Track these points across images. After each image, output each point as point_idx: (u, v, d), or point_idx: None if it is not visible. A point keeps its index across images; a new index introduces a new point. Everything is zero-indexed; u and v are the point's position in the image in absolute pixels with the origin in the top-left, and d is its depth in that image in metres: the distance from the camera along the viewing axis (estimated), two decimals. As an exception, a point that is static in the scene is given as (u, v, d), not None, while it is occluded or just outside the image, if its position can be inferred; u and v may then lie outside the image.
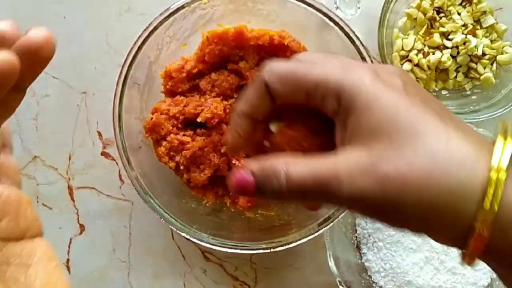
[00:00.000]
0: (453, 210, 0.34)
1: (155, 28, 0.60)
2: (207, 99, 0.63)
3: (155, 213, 0.61)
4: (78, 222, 0.71)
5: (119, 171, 0.71)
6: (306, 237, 0.61)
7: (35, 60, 0.31)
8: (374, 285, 0.67)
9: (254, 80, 0.42)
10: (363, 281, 0.68)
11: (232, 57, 0.64)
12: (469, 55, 0.69)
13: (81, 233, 0.71)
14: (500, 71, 0.70)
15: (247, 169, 0.39)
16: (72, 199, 0.71)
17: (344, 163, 0.36)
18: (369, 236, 0.67)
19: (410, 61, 0.69)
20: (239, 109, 0.43)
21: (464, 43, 0.68)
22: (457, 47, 0.68)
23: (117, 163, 0.71)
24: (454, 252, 0.65)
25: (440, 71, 0.70)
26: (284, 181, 0.37)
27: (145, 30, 0.60)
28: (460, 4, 0.70)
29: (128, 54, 0.60)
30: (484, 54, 0.69)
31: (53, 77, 0.71)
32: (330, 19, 0.61)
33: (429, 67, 0.69)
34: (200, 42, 0.64)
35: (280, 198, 0.38)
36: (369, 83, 0.37)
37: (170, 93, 0.65)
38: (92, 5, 0.72)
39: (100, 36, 0.72)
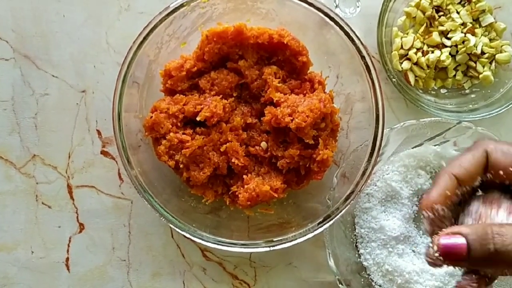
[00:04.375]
0: None
1: (155, 27, 0.60)
2: (206, 97, 0.63)
3: (155, 212, 0.61)
4: (78, 220, 0.71)
5: (119, 169, 0.72)
6: (305, 235, 0.61)
7: None
8: (373, 283, 0.67)
9: (474, 147, 0.47)
10: (362, 279, 0.68)
11: (232, 55, 0.64)
12: (468, 54, 0.69)
13: (80, 231, 0.71)
14: (499, 69, 0.70)
15: (456, 231, 0.40)
16: (72, 197, 0.71)
17: None
18: (366, 235, 0.67)
19: (409, 59, 0.69)
20: (451, 171, 0.46)
21: (463, 42, 0.68)
22: (456, 45, 0.68)
23: (116, 162, 0.71)
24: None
25: (439, 70, 0.70)
26: (510, 237, 0.39)
27: (144, 28, 0.60)
28: (459, 3, 0.70)
29: (128, 53, 0.60)
30: (483, 52, 0.69)
31: (53, 75, 0.71)
32: (330, 17, 0.61)
33: (428, 66, 0.69)
34: (199, 40, 0.64)
35: (495, 261, 0.40)
36: None
37: (170, 91, 0.65)
38: (92, 3, 0.72)
39: (100, 34, 0.72)
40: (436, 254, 0.42)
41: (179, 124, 0.63)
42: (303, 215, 0.66)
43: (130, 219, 0.72)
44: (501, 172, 0.46)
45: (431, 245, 0.46)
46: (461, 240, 0.40)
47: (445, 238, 0.41)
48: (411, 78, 0.69)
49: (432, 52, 0.69)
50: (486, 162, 0.46)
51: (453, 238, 0.41)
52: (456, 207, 0.49)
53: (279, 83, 0.64)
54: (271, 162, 0.65)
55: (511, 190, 0.47)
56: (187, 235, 0.62)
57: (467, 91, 0.72)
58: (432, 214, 0.47)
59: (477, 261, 0.40)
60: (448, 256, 0.41)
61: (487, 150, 0.46)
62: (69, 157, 0.71)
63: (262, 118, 0.64)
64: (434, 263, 0.45)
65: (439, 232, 0.46)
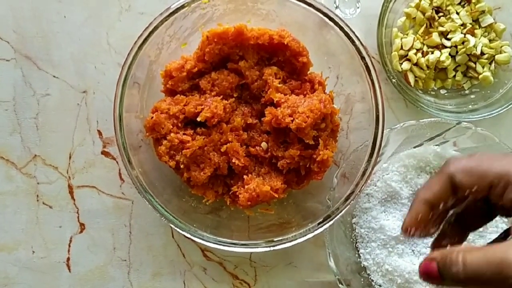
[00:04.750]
0: None
1: (156, 28, 0.60)
2: (207, 98, 0.64)
3: (155, 212, 0.61)
4: (79, 220, 0.72)
5: (119, 170, 0.72)
6: (305, 235, 0.61)
7: None
8: (373, 283, 0.67)
9: (440, 171, 0.50)
10: (362, 279, 0.68)
11: (232, 56, 0.64)
12: (468, 55, 0.69)
13: (81, 231, 0.72)
14: (498, 70, 0.71)
15: (431, 257, 0.45)
16: (73, 198, 0.72)
17: None
18: (366, 235, 0.67)
19: (409, 60, 0.69)
20: (422, 197, 0.50)
21: (463, 43, 0.68)
22: (455, 46, 0.69)
23: (117, 162, 0.72)
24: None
25: (439, 70, 0.70)
26: (461, 266, 0.42)
27: (145, 29, 0.60)
28: (459, 4, 0.70)
29: (129, 54, 0.60)
30: (482, 53, 0.69)
31: (54, 76, 0.72)
32: (330, 18, 0.61)
33: (428, 67, 0.69)
34: (200, 41, 0.64)
35: (459, 283, 0.43)
36: None
37: (170, 92, 0.65)
38: (92, 4, 0.72)
39: (101, 35, 0.72)
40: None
41: (179, 124, 0.63)
42: (303, 215, 0.66)
43: (130, 219, 0.72)
44: (467, 192, 0.48)
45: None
46: (433, 265, 0.45)
47: (423, 263, 0.46)
48: (411, 79, 0.69)
49: (432, 52, 0.69)
50: (452, 185, 0.49)
51: (428, 263, 0.45)
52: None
53: (279, 83, 0.64)
54: (272, 162, 0.65)
55: None
56: (188, 235, 0.62)
57: (466, 92, 0.72)
58: (409, 236, 0.51)
59: (449, 283, 0.44)
60: (426, 278, 0.46)
61: (450, 174, 0.49)
62: (70, 157, 0.72)
63: (262, 119, 0.64)
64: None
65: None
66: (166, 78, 0.64)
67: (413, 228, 0.50)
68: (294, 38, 0.64)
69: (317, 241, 0.70)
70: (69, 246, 0.71)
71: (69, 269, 0.72)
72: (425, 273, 0.45)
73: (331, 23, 0.61)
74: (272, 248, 0.61)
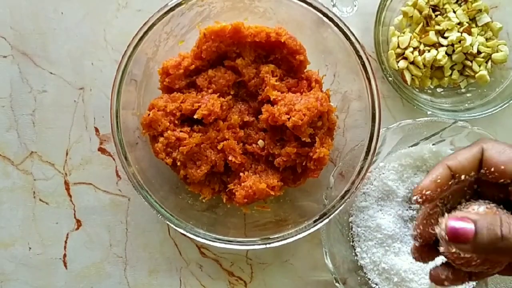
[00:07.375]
0: None
1: (153, 25, 0.60)
2: (204, 95, 0.64)
3: (152, 209, 0.62)
4: (75, 217, 0.72)
5: (116, 167, 0.72)
6: (301, 233, 0.61)
7: None
8: (369, 282, 0.68)
9: (473, 144, 0.49)
10: (358, 278, 0.68)
11: (229, 53, 0.64)
12: (464, 53, 0.69)
13: (77, 228, 0.72)
14: (495, 69, 0.71)
15: (465, 216, 0.43)
16: (69, 194, 0.72)
17: None
18: (362, 234, 0.68)
19: (405, 58, 0.69)
20: (447, 162, 0.48)
21: (460, 41, 0.68)
22: (452, 45, 0.69)
23: (114, 159, 0.72)
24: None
25: (436, 69, 0.71)
26: (509, 230, 0.42)
27: (142, 26, 0.60)
28: (456, 2, 0.70)
29: (126, 50, 0.60)
30: (479, 52, 0.69)
31: (50, 73, 0.72)
32: (327, 16, 0.61)
33: (424, 65, 0.69)
34: (197, 38, 0.64)
35: (498, 248, 0.42)
36: None
37: (167, 89, 0.65)
38: (90, 1, 0.72)
39: (98, 32, 0.72)
40: (443, 233, 0.44)
41: (176, 121, 0.63)
42: (299, 213, 0.66)
43: (127, 216, 0.72)
44: (492, 169, 0.47)
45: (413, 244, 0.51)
46: (469, 224, 0.42)
47: (454, 220, 0.43)
48: (408, 77, 0.70)
49: (429, 51, 0.69)
50: (481, 158, 0.48)
51: (461, 221, 0.43)
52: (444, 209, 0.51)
53: (276, 81, 0.64)
54: (268, 160, 0.65)
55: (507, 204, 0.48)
56: (184, 232, 0.62)
57: (463, 90, 0.72)
58: (421, 198, 0.48)
59: (481, 246, 0.42)
60: (454, 238, 0.43)
61: (483, 147, 0.48)
62: (66, 154, 0.72)
63: (259, 116, 0.65)
64: (419, 258, 0.50)
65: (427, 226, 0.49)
66: (163, 75, 0.64)
67: (425, 192, 0.47)
68: (291, 36, 0.64)
69: (314, 240, 0.70)
70: (66, 242, 0.72)
71: (65, 265, 0.72)
72: (456, 233, 0.43)
73: (328, 21, 0.61)
74: (268, 246, 0.61)
